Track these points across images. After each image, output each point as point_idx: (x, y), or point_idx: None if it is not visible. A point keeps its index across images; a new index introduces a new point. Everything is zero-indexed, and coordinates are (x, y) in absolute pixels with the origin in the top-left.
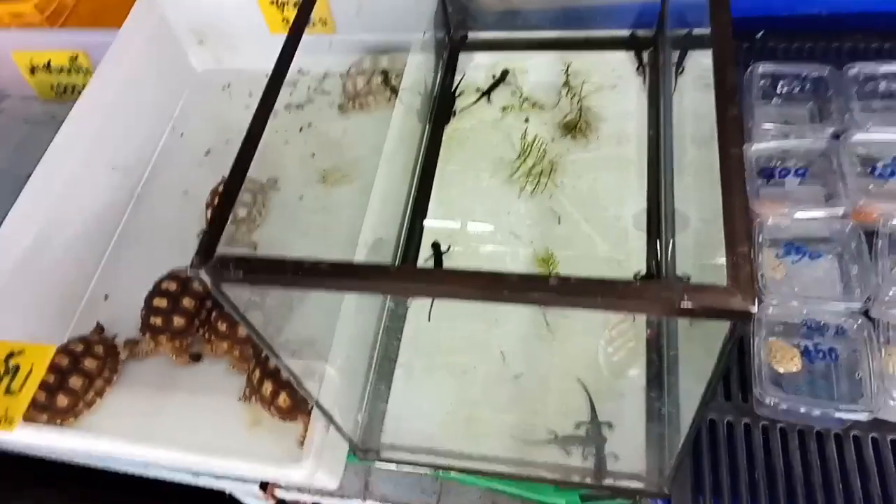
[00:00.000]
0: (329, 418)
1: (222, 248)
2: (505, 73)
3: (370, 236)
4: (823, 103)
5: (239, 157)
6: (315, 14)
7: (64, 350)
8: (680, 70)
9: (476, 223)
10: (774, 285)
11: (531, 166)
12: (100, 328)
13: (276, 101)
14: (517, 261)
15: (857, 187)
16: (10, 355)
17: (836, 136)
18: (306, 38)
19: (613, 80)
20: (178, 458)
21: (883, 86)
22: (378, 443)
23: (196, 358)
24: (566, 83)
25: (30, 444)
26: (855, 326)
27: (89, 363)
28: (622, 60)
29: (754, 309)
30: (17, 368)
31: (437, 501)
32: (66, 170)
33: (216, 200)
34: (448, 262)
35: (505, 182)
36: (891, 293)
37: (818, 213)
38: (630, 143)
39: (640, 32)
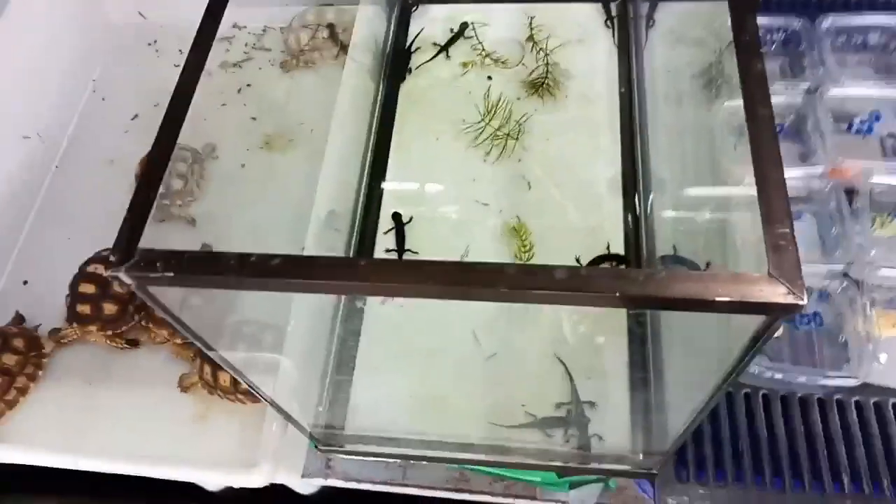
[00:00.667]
0: (286, 415)
1: (152, 232)
2: (464, 27)
3: (323, 208)
4: (796, 57)
5: (166, 123)
6: None
7: None
8: (650, 23)
9: (439, 191)
10: None
11: (496, 128)
12: (19, 318)
13: (207, 57)
14: (486, 231)
15: (835, 144)
16: None
17: (810, 92)
18: None
19: (580, 34)
20: (116, 467)
21: (858, 38)
22: (341, 435)
23: (133, 343)
24: (530, 37)
25: None
26: (839, 290)
27: (8, 358)
28: (589, 13)
29: (804, 301)
30: None
31: (403, 477)
32: None
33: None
34: (410, 234)
35: (469, 146)
36: (873, 253)
37: (795, 173)
38: (601, 102)
39: None
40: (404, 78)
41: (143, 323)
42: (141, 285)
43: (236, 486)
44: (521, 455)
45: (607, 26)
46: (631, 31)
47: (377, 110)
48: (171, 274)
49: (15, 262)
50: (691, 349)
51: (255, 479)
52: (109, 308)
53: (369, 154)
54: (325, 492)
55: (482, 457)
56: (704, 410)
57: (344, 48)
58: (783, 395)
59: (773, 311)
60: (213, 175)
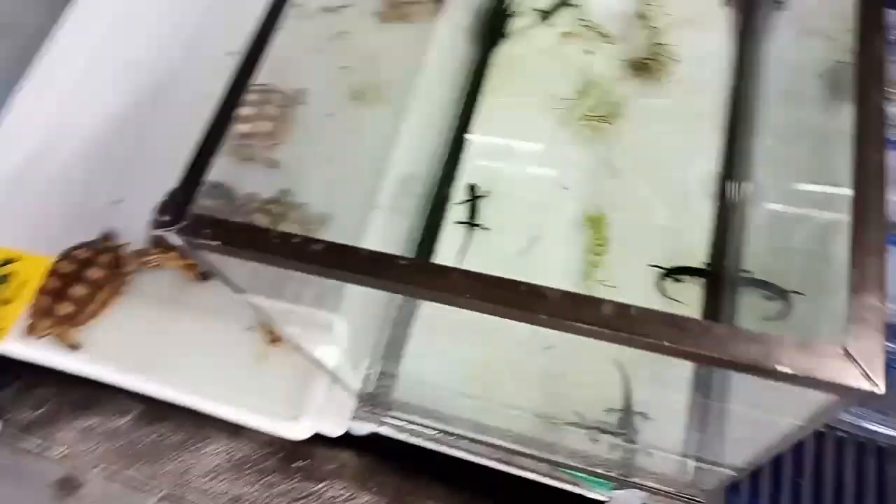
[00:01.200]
0: (333, 375)
1: (235, 170)
2: None
3: (402, 169)
4: None
5: (243, 64)
6: None
7: (67, 257)
8: (778, 4)
9: (520, 167)
10: None
11: (589, 108)
12: (107, 236)
13: None
14: (562, 217)
15: None
16: (6, 262)
17: None
18: None
19: (696, 14)
20: (172, 396)
21: None
22: (388, 399)
23: (205, 276)
24: (641, 13)
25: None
26: None
27: (94, 272)
28: None
29: (881, 389)
30: (7, 277)
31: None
32: (73, 65)
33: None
34: (484, 208)
35: (558, 123)
36: None
37: None
38: (707, 92)
39: None
40: (499, 43)
41: None
42: (189, 247)
43: (277, 434)
44: (564, 454)
45: (728, 6)
46: (754, 15)
47: (468, 74)
48: (218, 242)
49: (112, 184)
50: (758, 389)
51: (296, 431)
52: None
53: (454, 119)
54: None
55: (524, 448)
56: (759, 459)
57: (441, 2)
58: (860, 442)
59: (841, 393)
60: (301, 121)
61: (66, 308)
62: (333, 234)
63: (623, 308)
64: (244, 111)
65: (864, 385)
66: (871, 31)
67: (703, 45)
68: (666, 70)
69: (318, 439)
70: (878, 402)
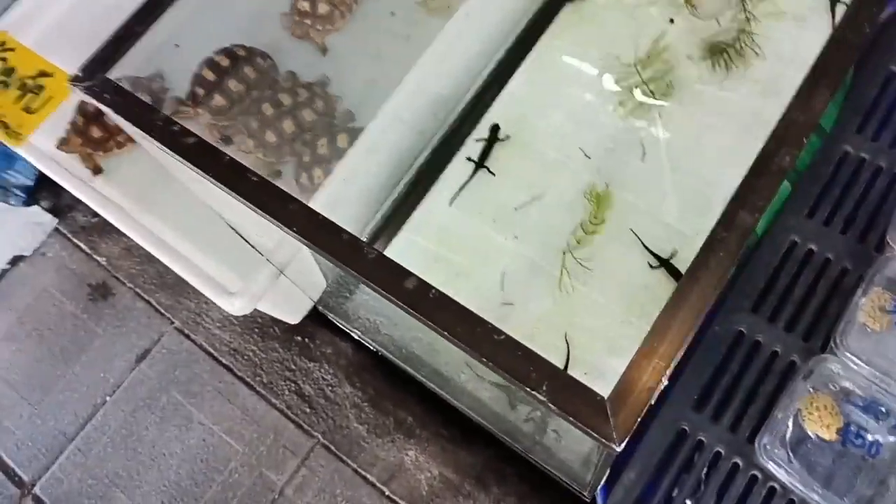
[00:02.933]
0: (279, 270)
1: (288, 44)
2: None
3: (435, 88)
4: None
5: None
6: None
7: None
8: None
9: (551, 121)
10: (862, 336)
11: (644, 80)
12: (157, 76)
13: None
14: (572, 183)
15: None
16: (42, 74)
17: None
18: None
19: (803, 10)
20: (157, 233)
21: None
22: (343, 310)
23: (226, 140)
24: None
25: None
26: None
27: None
28: None
29: (616, 448)
30: (40, 89)
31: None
32: None
33: None
34: (500, 152)
35: (607, 86)
36: None
37: None
38: (780, 99)
39: None
40: None
41: (242, 127)
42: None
43: (215, 302)
44: (483, 411)
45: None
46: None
47: (535, 11)
48: (111, 111)
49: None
50: None
51: (229, 305)
52: (219, 100)
53: (504, 52)
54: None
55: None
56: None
57: None
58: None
59: (593, 436)
60: (362, 13)
61: (98, 132)
62: (351, 134)
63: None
64: None
65: (605, 438)
66: None
67: (795, 45)
68: (744, 62)
69: (327, 324)
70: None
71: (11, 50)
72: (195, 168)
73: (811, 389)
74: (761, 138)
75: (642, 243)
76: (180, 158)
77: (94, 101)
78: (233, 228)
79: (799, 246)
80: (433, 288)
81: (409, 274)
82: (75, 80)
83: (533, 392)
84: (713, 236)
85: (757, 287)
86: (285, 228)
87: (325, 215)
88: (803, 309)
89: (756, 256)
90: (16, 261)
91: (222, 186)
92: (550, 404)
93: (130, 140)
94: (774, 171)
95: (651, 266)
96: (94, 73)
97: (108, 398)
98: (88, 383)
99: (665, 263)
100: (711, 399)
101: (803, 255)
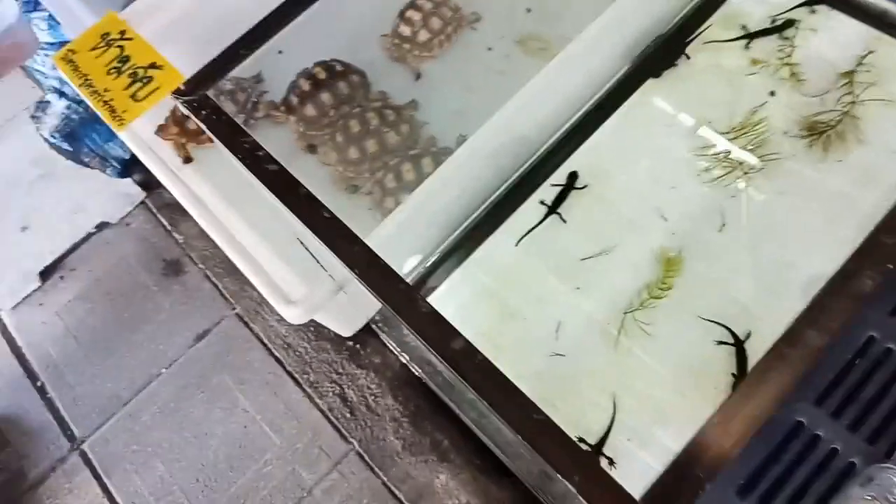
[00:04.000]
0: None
1: (385, 68)
2: (788, 24)
3: (520, 127)
4: None
5: None
6: None
7: None
8: None
9: (631, 177)
10: None
11: (740, 146)
12: (257, 78)
13: None
14: (643, 243)
15: None
16: (153, 66)
17: None
18: None
19: None
20: (229, 229)
21: None
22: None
23: (311, 149)
24: (851, 72)
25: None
26: None
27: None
28: None
29: None
30: (149, 80)
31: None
32: None
33: None
34: (575, 200)
35: (695, 148)
36: None
37: None
38: (876, 190)
39: None
40: (685, 45)
41: (329, 138)
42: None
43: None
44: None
45: None
46: None
47: (632, 66)
48: (205, 127)
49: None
50: None
51: (287, 313)
52: (311, 110)
53: (594, 101)
54: None
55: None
56: None
57: None
58: None
59: None
60: (460, 44)
61: (194, 125)
62: (433, 159)
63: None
64: (411, 14)
65: None
66: None
67: None
68: (844, 146)
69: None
70: None
71: (129, 39)
72: (272, 195)
73: (868, 497)
74: (851, 228)
75: (716, 322)
76: (259, 183)
77: (191, 116)
78: (300, 240)
79: (877, 343)
80: (479, 353)
81: (457, 335)
82: (177, 93)
83: (563, 479)
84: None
85: (825, 379)
86: (347, 268)
87: (397, 237)
88: (872, 409)
89: (828, 346)
90: (102, 226)
91: (294, 217)
92: (580, 496)
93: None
94: (853, 294)
95: (717, 342)
96: (196, 89)
97: (163, 370)
98: (148, 353)
99: (737, 344)
100: (757, 488)
101: (880, 353)
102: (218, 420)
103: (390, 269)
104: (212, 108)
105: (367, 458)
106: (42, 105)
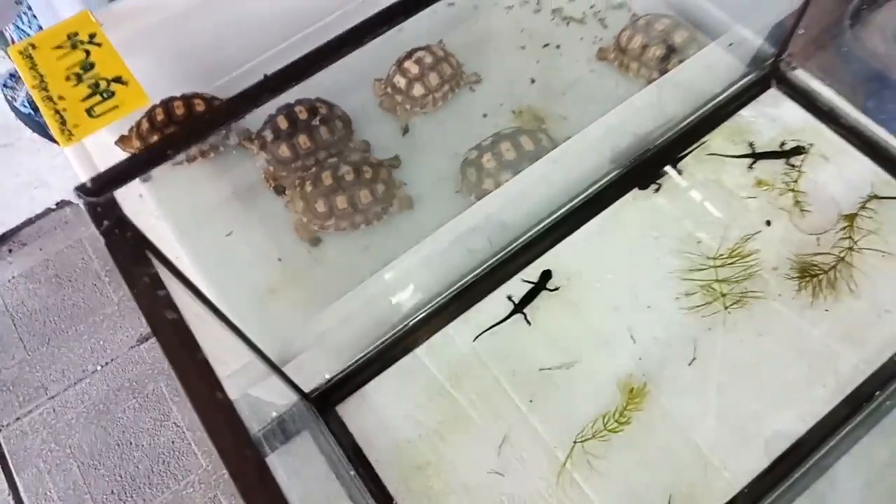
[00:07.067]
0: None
1: (371, 116)
2: (798, 151)
3: (500, 210)
4: None
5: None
6: None
7: (166, 105)
8: None
9: (605, 286)
10: None
11: (723, 278)
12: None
13: None
14: (611, 364)
15: None
16: (118, 80)
17: None
18: None
19: None
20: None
21: None
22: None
23: (279, 190)
24: (853, 215)
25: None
26: None
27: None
28: None
29: None
30: (110, 95)
31: None
32: None
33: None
34: (544, 302)
35: (674, 270)
36: None
37: None
38: (861, 350)
39: None
40: (681, 156)
41: (296, 183)
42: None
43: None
44: None
45: None
46: None
47: (627, 168)
48: (105, 242)
49: (268, 59)
50: None
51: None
52: (283, 150)
53: (580, 199)
54: None
55: None
56: None
57: (663, 73)
58: None
59: None
60: (455, 103)
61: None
62: (404, 224)
63: None
64: (409, 65)
65: None
66: None
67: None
68: (834, 295)
69: None
70: None
71: (98, 45)
72: (161, 343)
73: None
74: (827, 387)
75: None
76: (152, 325)
77: (90, 220)
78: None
79: None
80: None
81: None
82: (82, 189)
83: None
84: None
85: None
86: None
87: (360, 307)
88: None
89: None
90: (63, 204)
91: (181, 384)
92: None
93: (192, 159)
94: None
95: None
96: (104, 188)
97: (98, 368)
98: (85, 347)
99: None
100: None
101: None
102: (146, 430)
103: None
104: (117, 219)
105: None
106: (17, 75)
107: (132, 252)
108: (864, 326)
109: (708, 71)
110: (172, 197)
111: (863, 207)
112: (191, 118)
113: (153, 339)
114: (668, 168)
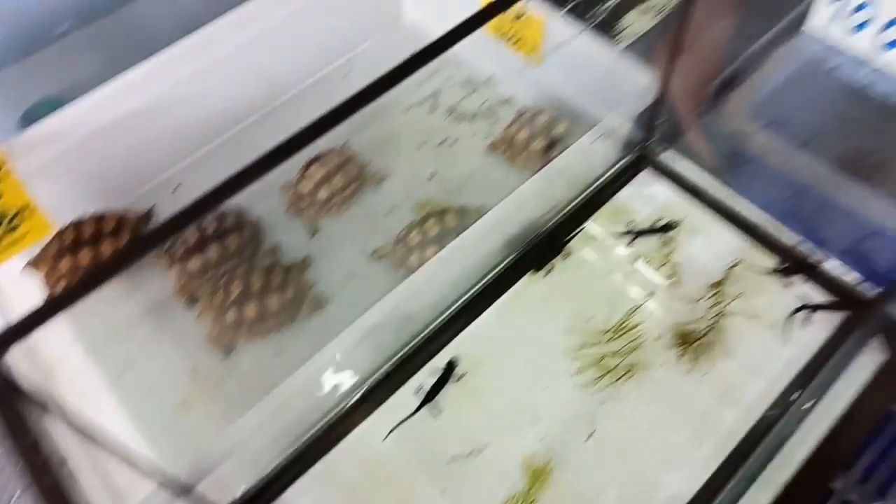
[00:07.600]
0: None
1: (277, 217)
2: (669, 227)
3: (404, 303)
4: None
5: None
6: (527, 34)
7: (76, 226)
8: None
9: (507, 370)
10: None
11: (612, 352)
12: (148, 215)
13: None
14: (514, 446)
15: None
16: (23, 210)
17: None
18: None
19: (777, 320)
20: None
21: None
22: None
23: (191, 300)
24: (720, 282)
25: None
26: None
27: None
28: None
29: None
30: (14, 228)
31: None
32: (199, 60)
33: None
34: (451, 391)
35: (569, 348)
36: None
37: None
38: (737, 408)
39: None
40: (565, 238)
41: (209, 291)
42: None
43: None
44: None
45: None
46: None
47: (521, 252)
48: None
49: (179, 171)
50: None
51: None
52: (193, 262)
53: (476, 287)
54: None
55: None
56: None
57: (550, 155)
58: None
59: None
60: (362, 202)
61: (67, 266)
62: (315, 324)
63: None
64: (314, 169)
65: None
66: None
67: (766, 357)
68: (711, 359)
69: None
70: None
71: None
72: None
73: None
74: (710, 446)
75: None
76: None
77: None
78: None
79: None
80: None
81: None
82: None
83: None
84: None
85: None
86: None
87: (271, 415)
88: None
89: None
90: None
91: None
92: None
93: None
94: None
95: None
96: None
97: None
98: None
99: None
100: None
101: None
102: None
103: None
104: (3, 383)
105: None
106: None
107: (11, 419)
108: (738, 386)
109: (586, 158)
110: (83, 315)
111: (725, 275)
112: (99, 262)
113: None
114: (557, 250)
